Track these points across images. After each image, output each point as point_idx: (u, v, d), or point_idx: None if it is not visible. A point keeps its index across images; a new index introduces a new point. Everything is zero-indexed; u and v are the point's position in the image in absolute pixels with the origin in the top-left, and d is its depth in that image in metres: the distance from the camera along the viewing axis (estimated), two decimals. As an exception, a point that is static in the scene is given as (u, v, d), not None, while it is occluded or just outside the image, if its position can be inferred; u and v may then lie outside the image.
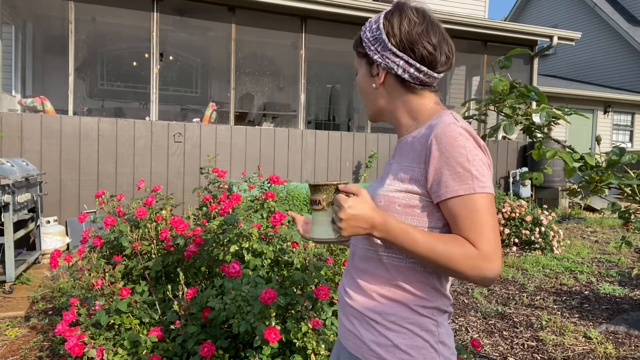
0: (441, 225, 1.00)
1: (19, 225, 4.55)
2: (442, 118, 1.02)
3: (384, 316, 1.01)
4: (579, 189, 2.03)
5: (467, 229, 0.93)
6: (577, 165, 1.87)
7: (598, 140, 1.96)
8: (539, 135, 1.96)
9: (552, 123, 1.83)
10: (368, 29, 1.11)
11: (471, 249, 0.91)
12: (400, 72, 1.06)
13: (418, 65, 1.06)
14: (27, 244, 5.11)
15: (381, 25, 1.07)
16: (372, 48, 1.09)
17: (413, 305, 1.01)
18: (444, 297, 1.03)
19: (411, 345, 0.99)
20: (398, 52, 1.05)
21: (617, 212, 2.02)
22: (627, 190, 1.93)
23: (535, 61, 9.43)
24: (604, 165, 1.88)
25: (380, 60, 1.08)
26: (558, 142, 2.09)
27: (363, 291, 1.06)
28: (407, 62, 1.05)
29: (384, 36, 1.06)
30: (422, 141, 1.00)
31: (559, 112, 1.79)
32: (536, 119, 1.89)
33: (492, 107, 1.92)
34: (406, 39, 1.05)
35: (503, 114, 1.90)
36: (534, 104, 1.93)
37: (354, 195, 0.94)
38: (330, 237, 0.98)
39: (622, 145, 1.86)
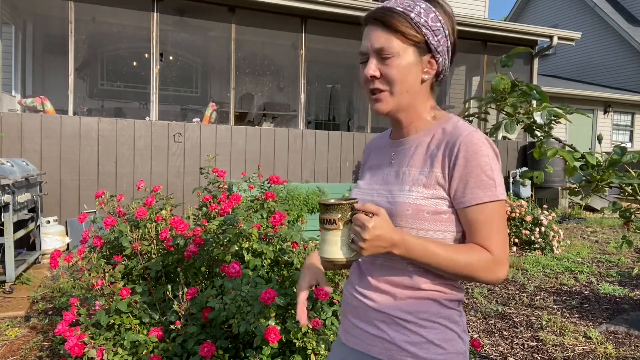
0: (463, 229, 1.02)
1: (19, 225, 4.55)
2: (459, 124, 1.03)
3: (415, 315, 1.01)
4: (579, 189, 2.03)
5: (484, 235, 0.97)
6: (578, 164, 1.87)
7: (599, 139, 1.96)
8: (540, 134, 1.96)
9: (553, 122, 1.83)
10: (423, 14, 1.00)
11: (486, 255, 0.97)
12: (444, 70, 1.06)
13: (447, 68, 1.07)
14: (27, 244, 5.11)
15: (440, 18, 1.02)
16: (436, 39, 1.01)
17: (442, 300, 1.02)
18: (461, 290, 1.07)
19: (444, 338, 1.01)
20: (449, 51, 1.05)
21: (618, 211, 2.02)
22: (628, 189, 1.93)
23: (535, 61, 9.43)
24: (605, 164, 1.88)
25: (440, 55, 1.03)
26: (559, 141, 2.09)
27: (389, 294, 1.04)
28: (447, 63, 1.06)
29: (447, 31, 1.03)
30: (443, 147, 1.01)
31: (560, 111, 1.79)
32: (537, 117, 1.89)
33: (493, 106, 1.92)
34: (454, 41, 1.06)
35: (504, 113, 1.90)
36: (534, 102, 1.93)
37: (373, 214, 0.92)
38: (347, 257, 0.96)
39: (623, 145, 1.86)
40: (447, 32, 1.03)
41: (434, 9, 1.02)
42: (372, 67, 1.02)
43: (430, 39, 1.01)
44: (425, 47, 1.02)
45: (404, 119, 1.08)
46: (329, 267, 1.16)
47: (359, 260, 1.12)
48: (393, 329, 1.02)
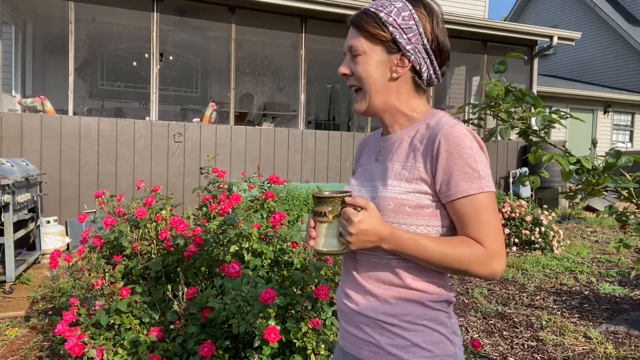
0: (448, 223, 1.01)
1: (19, 225, 4.55)
2: (442, 119, 1.02)
3: (399, 317, 1.00)
4: (576, 192, 2.03)
5: (475, 228, 0.95)
6: (573, 168, 1.87)
7: (594, 143, 1.96)
8: (535, 139, 1.96)
9: (548, 127, 1.83)
10: (394, 13, 1.02)
11: (479, 248, 0.95)
12: (424, 69, 1.05)
13: (437, 68, 1.06)
14: (27, 244, 5.11)
15: (415, 16, 1.02)
16: (405, 37, 1.02)
17: (426, 301, 1.01)
18: (450, 290, 1.05)
19: (430, 341, 1.00)
20: (429, 50, 1.04)
21: (615, 215, 2.02)
22: (624, 193, 1.93)
23: (536, 61, 9.43)
24: (600, 168, 1.88)
25: (412, 52, 1.02)
26: (555, 145, 2.09)
27: (373, 296, 1.03)
28: (431, 62, 1.05)
29: (421, 29, 1.02)
30: (425, 141, 1.00)
31: (554, 117, 1.79)
32: (532, 122, 1.89)
33: (488, 112, 1.92)
34: (438, 39, 1.04)
35: (499, 119, 1.89)
36: (532, 108, 1.93)
37: (362, 208, 0.93)
38: (336, 249, 0.98)
39: (620, 147, 1.87)
40: (420, 30, 1.02)
41: (410, 7, 1.02)
42: (342, 66, 1.09)
43: (397, 37, 1.02)
44: (394, 46, 1.03)
45: (385, 117, 1.10)
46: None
47: (345, 258, 1.13)
48: (378, 332, 1.02)
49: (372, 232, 0.92)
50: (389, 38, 1.02)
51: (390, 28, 1.02)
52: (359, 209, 0.93)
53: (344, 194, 0.97)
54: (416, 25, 1.02)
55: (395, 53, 1.03)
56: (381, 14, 1.02)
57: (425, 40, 1.03)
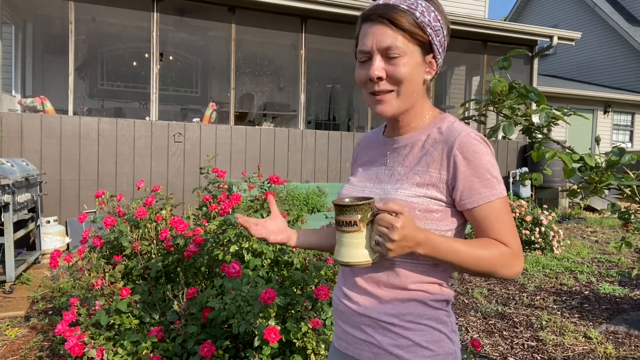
0: (454, 227, 1.01)
1: (19, 225, 4.55)
2: (454, 124, 1.02)
3: (400, 317, 1.00)
4: (578, 190, 2.03)
5: (497, 230, 0.97)
6: (576, 166, 1.87)
7: (597, 140, 1.95)
8: (538, 136, 1.96)
9: (551, 124, 1.83)
10: (427, 14, 0.98)
11: (505, 249, 0.96)
12: (439, 70, 1.05)
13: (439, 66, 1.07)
14: (27, 244, 5.11)
15: (440, 18, 1.00)
16: (437, 39, 1.00)
17: (428, 300, 1.00)
18: (450, 289, 1.05)
19: (431, 340, 1.00)
20: (444, 50, 1.05)
21: (617, 213, 2.01)
22: (627, 191, 1.93)
23: (535, 61, 9.43)
24: (603, 166, 1.88)
25: (439, 54, 1.02)
26: (557, 142, 2.09)
27: (374, 297, 1.02)
28: (441, 60, 1.06)
29: (445, 31, 1.02)
30: (440, 147, 1.00)
31: (558, 113, 1.79)
32: (535, 119, 1.89)
33: (491, 108, 1.92)
34: (448, 41, 1.05)
35: (502, 115, 1.89)
36: (533, 104, 1.92)
37: (398, 213, 0.88)
38: (370, 260, 0.92)
39: (622, 146, 1.86)
40: (445, 32, 1.02)
41: (432, 7, 1.00)
42: (379, 68, 0.98)
43: (433, 39, 1.00)
44: (428, 47, 1.00)
45: (404, 119, 1.07)
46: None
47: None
48: (379, 332, 1.01)
49: (411, 237, 0.88)
50: (427, 40, 0.99)
51: (428, 29, 0.98)
52: (394, 214, 0.88)
53: (370, 200, 0.92)
54: (441, 28, 1.01)
55: (428, 54, 1.01)
56: (417, 13, 0.97)
57: (445, 42, 1.03)
